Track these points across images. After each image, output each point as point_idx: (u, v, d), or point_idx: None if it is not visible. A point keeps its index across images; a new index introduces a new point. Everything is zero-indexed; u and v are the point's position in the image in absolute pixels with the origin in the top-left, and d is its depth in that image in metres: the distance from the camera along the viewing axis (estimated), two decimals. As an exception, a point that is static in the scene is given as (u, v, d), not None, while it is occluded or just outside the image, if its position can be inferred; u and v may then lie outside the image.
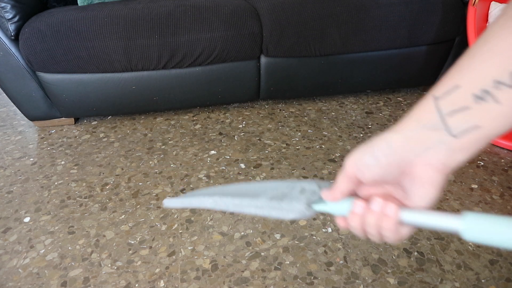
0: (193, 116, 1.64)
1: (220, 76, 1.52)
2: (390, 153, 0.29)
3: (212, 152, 1.40)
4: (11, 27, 1.32)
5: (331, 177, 1.26)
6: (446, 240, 1.02)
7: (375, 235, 0.31)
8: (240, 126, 1.56)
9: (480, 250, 0.99)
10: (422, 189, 0.29)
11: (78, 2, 1.56)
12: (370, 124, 1.56)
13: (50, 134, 1.56)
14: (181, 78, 1.49)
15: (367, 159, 0.30)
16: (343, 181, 0.32)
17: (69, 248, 1.02)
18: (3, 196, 1.21)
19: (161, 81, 1.48)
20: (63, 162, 1.37)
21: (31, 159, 1.40)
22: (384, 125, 1.55)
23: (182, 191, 1.21)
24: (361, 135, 1.49)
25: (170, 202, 0.42)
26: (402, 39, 1.53)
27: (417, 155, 0.28)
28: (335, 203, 0.34)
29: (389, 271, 0.94)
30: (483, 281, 0.91)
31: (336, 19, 1.45)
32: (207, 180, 1.25)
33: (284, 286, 0.91)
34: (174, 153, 1.40)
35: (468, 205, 1.13)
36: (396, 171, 0.29)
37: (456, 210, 1.11)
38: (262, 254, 0.99)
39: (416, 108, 0.29)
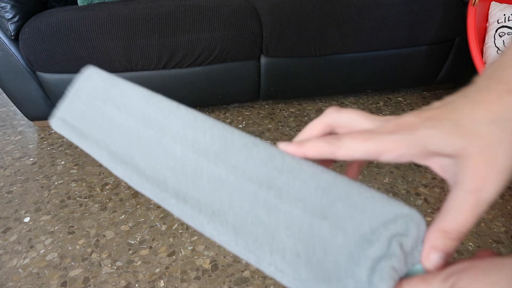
0: (193, 116, 1.64)
1: (220, 76, 1.52)
2: None
3: (212, 152, 1.40)
4: (11, 27, 1.32)
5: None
6: (446, 240, 1.02)
7: None
8: (240, 126, 1.56)
9: (480, 250, 0.99)
10: None
11: (78, 2, 1.56)
12: (370, 124, 1.56)
13: (50, 134, 1.56)
14: (181, 78, 1.49)
15: None
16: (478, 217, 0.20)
17: (69, 248, 1.02)
18: (3, 196, 1.21)
19: (161, 81, 1.48)
20: (63, 162, 1.37)
21: (31, 159, 1.40)
22: (384, 125, 1.55)
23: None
24: (361, 135, 1.49)
25: (57, 125, 0.29)
26: (402, 39, 1.53)
27: None
28: None
29: (389, 271, 0.94)
30: (483, 281, 0.91)
31: (336, 19, 1.45)
32: (207, 180, 1.25)
33: (284, 286, 0.90)
34: (174, 153, 1.40)
35: (468, 205, 1.13)
36: None
37: (456, 210, 1.11)
38: (262, 254, 0.99)
39: None
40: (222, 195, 0.23)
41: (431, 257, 0.20)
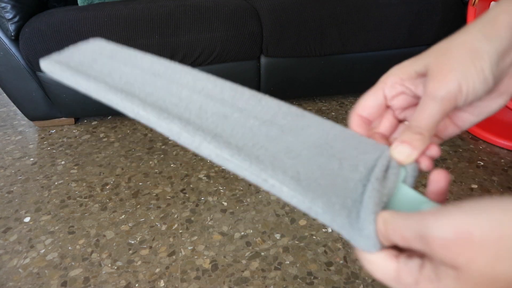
0: (193, 116, 1.64)
1: (220, 76, 1.50)
2: (497, 67, 0.23)
3: (212, 152, 1.40)
4: (11, 27, 1.32)
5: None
6: (446, 240, 1.02)
7: None
8: (240, 126, 1.56)
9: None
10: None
11: (78, 2, 1.56)
12: (370, 124, 1.56)
13: (50, 134, 1.56)
14: (181, 78, 1.49)
15: (478, 84, 0.22)
16: (440, 119, 0.23)
17: (69, 248, 1.02)
18: (3, 196, 1.21)
19: (161, 81, 1.48)
20: (63, 162, 1.37)
21: (31, 159, 1.40)
22: (384, 125, 1.55)
23: (182, 191, 1.21)
24: (361, 135, 1.49)
25: (48, 65, 0.28)
26: (402, 39, 1.53)
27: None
28: None
29: (389, 271, 0.94)
30: (483, 281, 0.91)
31: (336, 19, 1.45)
32: (207, 180, 1.26)
33: (284, 286, 0.91)
34: (174, 153, 1.40)
35: (468, 205, 1.13)
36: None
37: (456, 210, 1.11)
38: (262, 254, 0.99)
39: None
40: (225, 125, 0.24)
41: (398, 148, 0.24)
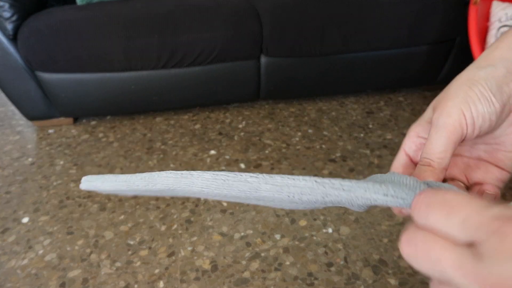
0: (192, 116, 1.64)
1: (220, 76, 1.51)
2: (499, 91, 0.23)
3: (212, 152, 1.40)
4: (10, 27, 1.32)
5: (332, 177, 1.26)
6: (447, 240, 1.01)
7: None
8: (240, 126, 1.56)
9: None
10: None
11: (77, 1, 1.55)
12: (370, 124, 1.56)
13: (49, 134, 1.55)
14: (181, 77, 1.48)
15: (481, 106, 0.22)
16: (448, 148, 0.23)
17: (68, 248, 1.01)
18: (2, 197, 1.20)
19: (160, 81, 1.47)
20: (62, 162, 1.37)
21: (30, 159, 1.39)
22: (384, 125, 1.54)
23: (182, 191, 1.20)
24: (362, 135, 1.48)
25: (89, 183, 0.31)
26: (402, 38, 1.53)
27: None
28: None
29: (390, 271, 0.93)
30: (484, 282, 0.90)
31: (336, 19, 1.45)
32: (206, 180, 1.25)
33: (284, 286, 0.90)
34: (174, 153, 1.40)
35: (469, 206, 1.12)
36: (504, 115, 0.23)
37: (457, 211, 1.10)
38: (262, 254, 0.98)
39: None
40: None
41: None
